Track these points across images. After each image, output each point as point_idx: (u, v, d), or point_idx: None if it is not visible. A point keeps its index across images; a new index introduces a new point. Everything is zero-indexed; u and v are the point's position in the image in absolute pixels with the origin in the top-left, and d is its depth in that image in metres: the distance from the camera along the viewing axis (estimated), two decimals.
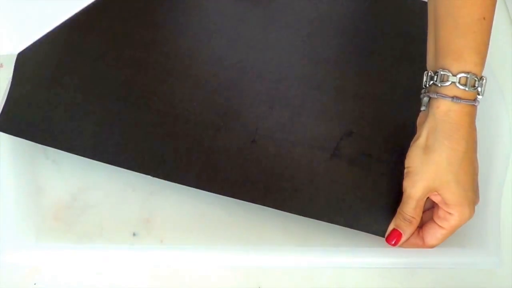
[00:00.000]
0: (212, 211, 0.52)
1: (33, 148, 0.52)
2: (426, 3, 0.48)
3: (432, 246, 0.47)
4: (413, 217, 0.46)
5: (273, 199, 0.49)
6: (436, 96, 0.45)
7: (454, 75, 0.44)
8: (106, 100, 0.53)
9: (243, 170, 0.50)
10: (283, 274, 0.49)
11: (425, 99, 0.46)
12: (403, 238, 0.47)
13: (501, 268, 0.49)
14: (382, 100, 0.54)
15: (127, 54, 0.55)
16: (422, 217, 0.47)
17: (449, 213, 0.45)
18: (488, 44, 0.44)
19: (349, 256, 0.48)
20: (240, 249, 0.49)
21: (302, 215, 0.49)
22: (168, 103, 0.53)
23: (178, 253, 0.48)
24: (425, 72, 0.47)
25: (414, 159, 0.46)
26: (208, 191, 0.50)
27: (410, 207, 0.46)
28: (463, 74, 0.44)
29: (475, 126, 0.45)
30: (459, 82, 0.44)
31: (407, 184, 0.46)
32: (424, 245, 0.47)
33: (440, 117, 0.44)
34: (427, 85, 0.46)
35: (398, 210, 0.47)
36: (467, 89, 0.44)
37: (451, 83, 0.44)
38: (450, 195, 0.45)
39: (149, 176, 0.50)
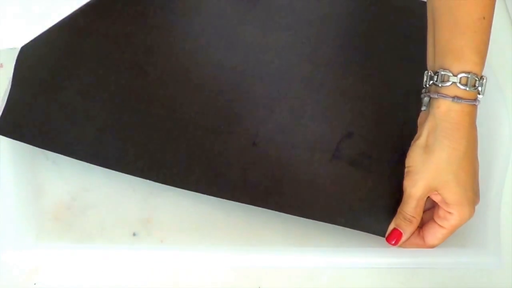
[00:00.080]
0: (212, 211, 0.52)
1: (33, 148, 0.52)
2: (426, 3, 0.48)
3: (432, 246, 0.47)
4: (413, 217, 0.46)
5: (274, 202, 0.49)
6: (436, 96, 0.45)
7: (455, 75, 0.44)
8: (106, 104, 0.52)
9: (244, 173, 0.50)
10: (283, 274, 0.49)
11: (426, 99, 0.46)
12: (404, 238, 0.47)
13: (501, 268, 0.49)
14: (382, 101, 0.54)
15: (127, 57, 0.55)
16: (422, 217, 0.47)
17: (449, 213, 0.45)
18: (488, 43, 0.44)
19: (349, 256, 0.48)
20: (240, 249, 0.49)
21: (303, 217, 0.49)
22: (168, 106, 0.53)
23: (178, 253, 0.49)
24: (425, 72, 0.47)
25: (415, 158, 0.46)
26: (210, 195, 0.50)
27: (411, 206, 0.46)
28: (463, 74, 0.44)
29: (475, 126, 0.45)
30: (460, 82, 0.44)
31: (407, 183, 0.46)
32: (424, 245, 0.47)
33: (440, 117, 0.44)
34: (428, 85, 0.46)
35: (399, 209, 0.47)
36: (467, 89, 0.44)
37: (451, 83, 0.44)
38: (450, 195, 0.45)
39: None
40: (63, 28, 0.55)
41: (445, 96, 0.44)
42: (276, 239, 0.51)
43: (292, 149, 0.51)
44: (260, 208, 0.49)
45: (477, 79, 0.44)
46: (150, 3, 0.58)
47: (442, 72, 0.44)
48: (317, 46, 0.57)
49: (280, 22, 0.58)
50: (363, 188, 0.49)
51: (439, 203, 0.46)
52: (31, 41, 0.55)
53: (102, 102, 0.52)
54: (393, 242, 0.47)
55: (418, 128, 0.47)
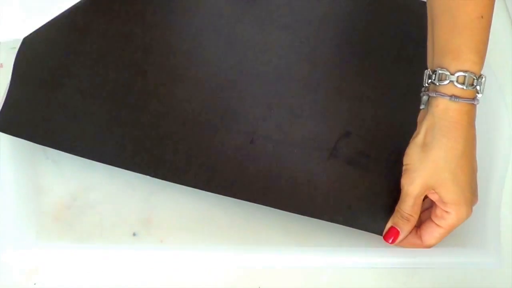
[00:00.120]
0: (212, 211, 0.52)
1: (33, 148, 0.52)
2: (425, 3, 0.48)
3: (430, 246, 0.47)
4: (410, 215, 0.46)
5: (272, 198, 0.49)
6: (435, 95, 0.45)
7: (452, 74, 0.44)
8: (106, 101, 0.53)
9: (241, 171, 0.50)
10: (283, 274, 0.49)
11: (425, 98, 0.46)
12: (401, 236, 0.47)
13: (501, 268, 0.49)
14: (380, 100, 0.54)
15: (126, 55, 0.55)
16: (420, 217, 0.47)
17: (446, 212, 0.45)
18: (487, 42, 0.44)
19: (349, 256, 0.48)
20: (240, 249, 0.49)
21: (301, 214, 0.49)
22: (167, 104, 0.53)
23: (178, 253, 0.49)
24: (425, 71, 0.47)
25: (412, 156, 0.46)
26: (207, 191, 0.50)
27: (408, 204, 0.46)
28: (461, 73, 0.43)
29: (474, 125, 0.45)
30: (457, 81, 0.44)
31: (405, 181, 0.46)
32: (422, 245, 0.47)
33: (438, 116, 0.44)
34: (426, 84, 0.46)
35: (396, 208, 0.47)
36: (465, 87, 0.43)
37: (449, 82, 0.44)
38: (447, 193, 0.45)
39: (149, 176, 0.50)
40: (63, 25, 0.56)
41: (443, 94, 0.44)
42: (276, 238, 0.51)
43: (289, 148, 0.51)
44: (260, 207, 0.49)
45: (475, 78, 0.44)
46: (149, 2, 0.58)
47: (439, 71, 0.44)
48: (315, 45, 0.57)
49: (279, 21, 0.58)
50: (360, 187, 0.49)
51: (436, 202, 0.46)
52: (34, 32, 0.55)
53: (101, 100, 0.53)
54: (391, 241, 0.47)
55: (417, 126, 0.47)
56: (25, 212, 0.51)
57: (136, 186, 0.53)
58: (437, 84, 0.44)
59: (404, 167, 0.47)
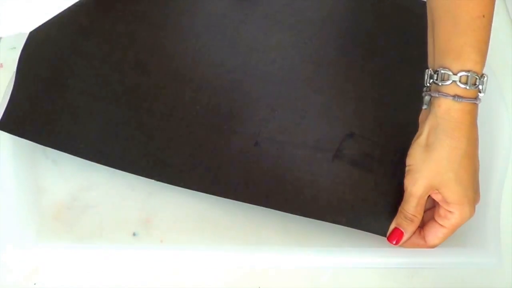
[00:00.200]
0: (212, 211, 0.52)
1: (33, 148, 0.52)
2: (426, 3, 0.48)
3: (433, 246, 0.47)
4: (414, 216, 0.46)
5: (276, 201, 0.49)
6: (437, 95, 0.45)
7: (455, 74, 0.44)
8: (110, 103, 0.53)
9: (245, 173, 0.50)
10: (283, 274, 0.49)
11: (427, 98, 0.46)
12: (405, 237, 0.47)
13: (501, 268, 0.49)
14: (383, 101, 0.54)
15: (131, 56, 0.55)
16: (423, 217, 0.47)
17: (450, 212, 0.45)
18: (488, 42, 0.44)
19: (349, 256, 0.48)
20: (240, 249, 0.49)
21: (305, 216, 0.49)
22: (171, 106, 0.53)
23: (178, 253, 0.48)
24: (426, 71, 0.47)
25: (415, 157, 0.46)
26: (212, 194, 0.50)
27: (411, 205, 0.46)
28: (463, 73, 0.43)
29: (476, 124, 0.45)
30: (459, 81, 0.44)
31: (408, 182, 0.46)
32: (425, 245, 0.47)
33: (441, 116, 0.44)
34: (428, 84, 0.46)
35: (400, 208, 0.47)
36: (468, 87, 0.43)
37: (452, 82, 0.44)
38: (450, 193, 0.44)
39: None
40: (67, 25, 0.56)
41: (446, 95, 0.44)
42: (276, 239, 0.51)
43: (293, 149, 0.51)
44: (260, 207, 0.49)
45: (477, 77, 0.44)
46: (153, 2, 0.58)
47: (442, 71, 0.44)
48: (319, 46, 0.57)
49: (282, 22, 0.58)
50: (364, 188, 0.49)
51: (439, 202, 0.46)
52: (39, 28, 0.55)
53: (105, 101, 0.53)
54: (394, 242, 0.47)
55: (419, 126, 0.47)
56: (25, 212, 0.51)
57: (136, 186, 0.53)
58: (440, 84, 0.44)
59: (407, 168, 0.47)
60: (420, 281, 0.49)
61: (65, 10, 0.56)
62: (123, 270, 0.49)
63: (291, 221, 0.50)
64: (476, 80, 0.44)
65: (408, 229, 0.47)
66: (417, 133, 0.47)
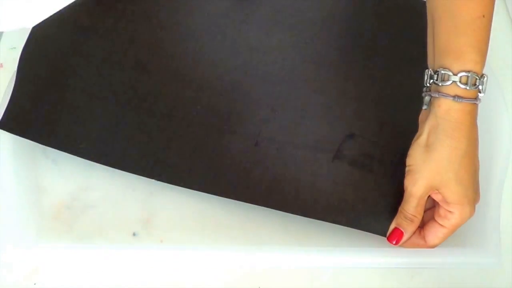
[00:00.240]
0: (212, 211, 0.52)
1: (33, 148, 0.52)
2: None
3: (433, 246, 0.47)
4: (414, 216, 0.46)
5: (276, 201, 0.49)
6: (437, 95, 0.45)
7: (455, 74, 0.44)
8: (110, 103, 0.53)
9: (246, 173, 0.50)
10: (283, 274, 0.49)
11: (427, 98, 0.46)
12: (405, 237, 0.47)
13: (501, 268, 0.49)
14: (383, 101, 0.54)
15: (131, 56, 0.55)
16: (423, 217, 0.47)
17: (450, 212, 0.45)
18: (488, 42, 0.44)
19: (349, 256, 0.48)
20: (240, 249, 0.49)
21: (305, 216, 0.49)
22: (172, 105, 0.53)
23: (178, 253, 0.48)
24: (426, 71, 0.47)
25: (415, 157, 0.46)
26: (212, 194, 0.50)
27: (412, 205, 0.46)
28: (463, 73, 0.43)
29: (476, 125, 0.45)
30: (460, 81, 0.43)
31: (408, 182, 0.46)
32: (425, 245, 0.47)
33: (441, 116, 0.44)
34: (428, 84, 0.46)
35: (400, 209, 0.47)
36: (468, 87, 0.43)
37: (452, 82, 0.44)
38: (450, 194, 0.45)
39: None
40: (68, 24, 0.55)
41: (446, 95, 0.44)
42: (277, 238, 0.51)
43: (294, 149, 0.51)
44: (260, 207, 0.49)
45: (477, 77, 0.44)
46: (154, 2, 0.58)
47: (442, 71, 0.44)
48: (320, 46, 0.56)
49: (284, 22, 0.58)
50: (364, 188, 0.49)
51: (439, 202, 0.46)
52: (41, 24, 0.55)
53: (106, 101, 0.53)
54: (394, 242, 0.47)
55: (419, 127, 0.47)
56: (25, 212, 0.51)
57: (136, 186, 0.53)
58: (440, 84, 0.44)
59: (407, 168, 0.47)
60: (420, 281, 0.49)
61: (66, 8, 0.56)
62: (123, 270, 0.49)
63: (291, 221, 0.50)
64: (476, 80, 0.44)
65: (408, 229, 0.47)
66: (417, 134, 0.47)
